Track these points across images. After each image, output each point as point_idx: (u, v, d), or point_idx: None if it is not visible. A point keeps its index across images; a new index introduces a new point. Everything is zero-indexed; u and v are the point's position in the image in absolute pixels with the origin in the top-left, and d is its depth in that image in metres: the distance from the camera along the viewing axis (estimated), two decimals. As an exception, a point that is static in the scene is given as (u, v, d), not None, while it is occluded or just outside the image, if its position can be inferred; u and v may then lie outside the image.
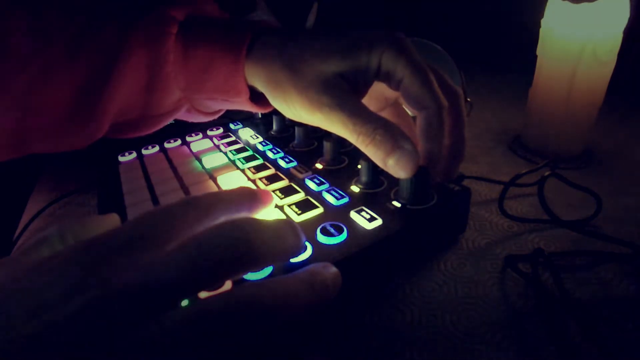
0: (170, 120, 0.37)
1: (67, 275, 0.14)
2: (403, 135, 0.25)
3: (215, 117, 0.39)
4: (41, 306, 0.13)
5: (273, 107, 0.31)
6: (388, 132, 0.25)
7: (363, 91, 0.29)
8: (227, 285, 0.21)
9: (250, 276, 0.22)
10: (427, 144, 0.28)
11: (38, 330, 0.13)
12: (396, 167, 0.25)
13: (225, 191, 0.21)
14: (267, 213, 0.24)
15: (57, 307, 0.13)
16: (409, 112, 0.31)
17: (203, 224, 0.18)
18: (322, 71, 0.27)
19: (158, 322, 0.14)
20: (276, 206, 0.31)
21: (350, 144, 0.40)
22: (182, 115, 0.37)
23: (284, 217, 0.29)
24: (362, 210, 0.29)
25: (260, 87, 0.30)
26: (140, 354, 0.13)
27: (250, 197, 0.22)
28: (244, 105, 0.33)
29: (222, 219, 0.19)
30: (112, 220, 0.21)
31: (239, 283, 0.18)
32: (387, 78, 0.28)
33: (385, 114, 0.30)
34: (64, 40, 0.30)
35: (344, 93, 0.26)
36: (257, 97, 0.33)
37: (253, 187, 0.33)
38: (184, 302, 0.16)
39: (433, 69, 0.29)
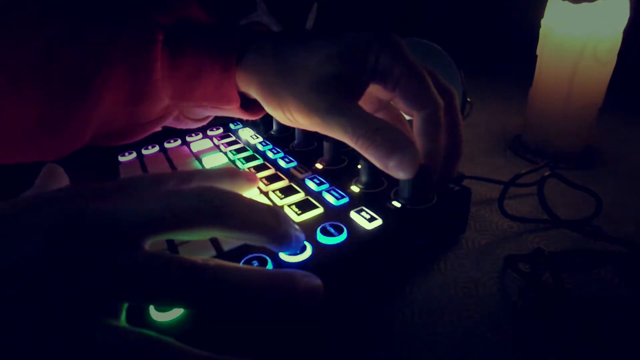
0: (158, 128, 0.36)
1: (49, 207, 0.17)
2: (402, 136, 0.24)
3: (205, 122, 0.38)
4: (15, 238, 0.15)
5: (264, 113, 0.31)
6: (387, 134, 0.24)
7: (360, 93, 0.28)
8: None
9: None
10: (425, 145, 0.27)
11: (9, 263, 0.15)
12: (397, 169, 0.24)
13: (210, 169, 0.25)
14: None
15: (34, 231, 0.15)
16: (405, 114, 0.31)
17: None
18: (318, 75, 0.26)
19: (127, 254, 0.16)
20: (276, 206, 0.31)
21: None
22: (171, 122, 0.36)
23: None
24: (362, 210, 0.29)
25: (254, 94, 0.30)
26: (108, 278, 0.15)
27: (232, 174, 0.25)
28: (235, 112, 0.33)
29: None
30: (49, 170, 0.25)
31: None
32: (384, 80, 0.27)
33: (379, 117, 0.30)
34: (39, 47, 0.27)
35: (341, 96, 0.26)
36: (247, 104, 0.33)
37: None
38: None
39: (428, 69, 0.29)
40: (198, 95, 0.31)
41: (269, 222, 0.19)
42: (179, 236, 0.18)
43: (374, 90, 0.29)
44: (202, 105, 0.33)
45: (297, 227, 0.21)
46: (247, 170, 0.26)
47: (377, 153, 0.24)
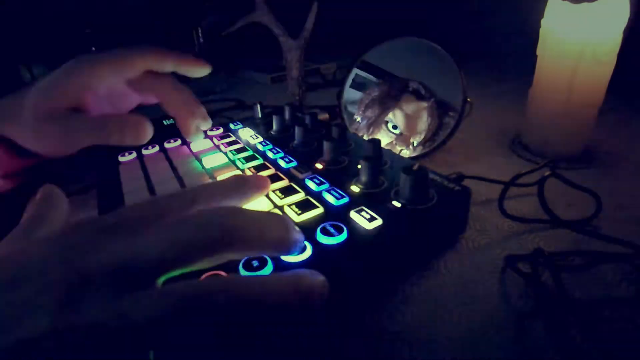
0: None
1: (45, 269, 0.15)
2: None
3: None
4: (15, 317, 0.14)
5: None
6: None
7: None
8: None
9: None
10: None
11: (12, 345, 0.13)
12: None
13: (214, 182, 0.23)
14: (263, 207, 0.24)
15: (40, 304, 0.14)
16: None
17: (186, 213, 0.19)
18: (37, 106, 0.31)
19: (133, 298, 0.15)
20: (276, 206, 0.31)
21: (351, 144, 0.40)
22: None
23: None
24: (362, 210, 0.29)
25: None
26: (114, 326, 0.14)
27: (239, 186, 0.23)
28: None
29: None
30: (46, 193, 0.23)
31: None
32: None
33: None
34: None
35: (63, 115, 0.32)
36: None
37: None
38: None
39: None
40: None
41: (280, 235, 0.19)
42: (193, 268, 0.17)
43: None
44: None
45: (297, 229, 0.21)
46: (255, 174, 0.24)
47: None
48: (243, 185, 0.23)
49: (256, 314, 0.16)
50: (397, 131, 0.48)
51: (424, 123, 0.47)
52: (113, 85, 0.34)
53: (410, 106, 0.48)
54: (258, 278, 0.17)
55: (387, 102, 0.49)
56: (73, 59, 0.33)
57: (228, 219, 0.18)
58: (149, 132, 0.33)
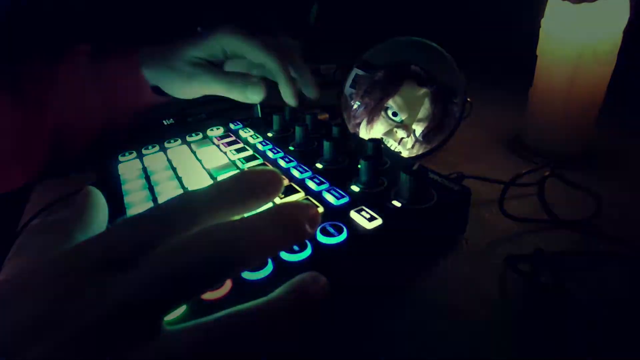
0: (99, 127, 0.48)
1: (35, 318, 0.14)
2: (249, 76, 0.44)
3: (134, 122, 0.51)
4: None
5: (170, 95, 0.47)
6: (241, 77, 0.43)
7: (221, 64, 0.47)
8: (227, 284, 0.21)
9: (249, 275, 0.22)
10: (278, 80, 0.44)
11: None
12: (252, 94, 0.43)
13: (218, 190, 0.19)
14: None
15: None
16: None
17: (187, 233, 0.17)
18: (188, 59, 0.45)
19: (137, 351, 0.14)
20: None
21: (351, 144, 0.40)
22: (110, 123, 0.49)
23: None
24: (362, 210, 0.29)
25: (155, 81, 0.47)
26: None
27: (249, 187, 0.19)
28: (151, 99, 0.48)
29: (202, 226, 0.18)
30: (92, 197, 0.21)
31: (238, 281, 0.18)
32: (235, 53, 0.45)
33: (255, 72, 0.47)
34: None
35: (203, 65, 0.45)
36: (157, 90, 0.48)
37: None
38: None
39: (261, 38, 0.44)
40: (124, 98, 0.48)
41: (276, 241, 0.18)
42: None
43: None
44: (129, 103, 0.48)
45: (306, 213, 0.19)
46: (265, 171, 0.20)
47: (237, 90, 0.43)
48: (256, 184, 0.19)
49: (263, 347, 0.16)
50: (397, 118, 0.47)
51: (425, 110, 0.46)
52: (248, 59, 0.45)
53: (412, 92, 0.46)
54: (262, 310, 0.17)
55: (388, 87, 0.47)
56: (229, 27, 0.44)
57: (229, 240, 0.16)
58: (264, 93, 0.43)
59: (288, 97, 0.44)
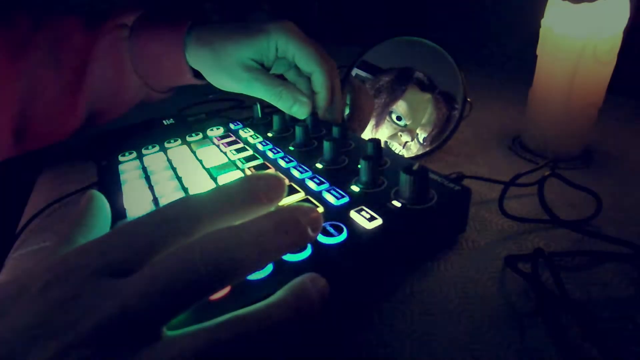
0: (136, 102, 0.48)
1: (34, 324, 0.14)
2: (299, 91, 0.42)
3: (170, 94, 0.50)
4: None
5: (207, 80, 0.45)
6: (289, 90, 0.42)
7: (269, 67, 0.44)
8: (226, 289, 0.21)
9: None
10: (319, 93, 0.43)
11: None
12: (297, 112, 0.42)
13: (221, 195, 0.19)
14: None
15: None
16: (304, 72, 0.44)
17: (180, 243, 0.17)
18: (239, 57, 0.41)
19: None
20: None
21: (351, 144, 0.40)
22: (143, 97, 0.48)
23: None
24: (362, 210, 0.29)
25: (198, 68, 0.44)
26: None
27: (250, 195, 0.19)
28: (189, 81, 0.46)
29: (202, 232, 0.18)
30: (95, 201, 0.22)
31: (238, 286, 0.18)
32: (284, 55, 0.42)
33: (290, 73, 0.46)
34: (42, 48, 0.41)
35: (256, 70, 0.42)
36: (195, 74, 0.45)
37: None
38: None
39: (315, 44, 0.42)
40: (162, 74, 0.45)
41: (277, 247, 0.18)
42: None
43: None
44: (165, 81, 0.46)
45: (307, 217, 0.18)
46: (267, 176, 0.20)
47: (284, 103, 0.42)
48: (254, 202, 0.19)
49: (264, 351, 0.16)
50: (401, 123, 0.48)
51: (428, 115, 0.47)
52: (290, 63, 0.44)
53: (415, 97, 0.47)
54: (261, 313, 0.17)
55: (395, 90, 0.48)
56: (284, 27, 0.41)
57: (223, 253, 0.16)
58: (309, 113, 0.43)
59: (323, 112, 0.44)
